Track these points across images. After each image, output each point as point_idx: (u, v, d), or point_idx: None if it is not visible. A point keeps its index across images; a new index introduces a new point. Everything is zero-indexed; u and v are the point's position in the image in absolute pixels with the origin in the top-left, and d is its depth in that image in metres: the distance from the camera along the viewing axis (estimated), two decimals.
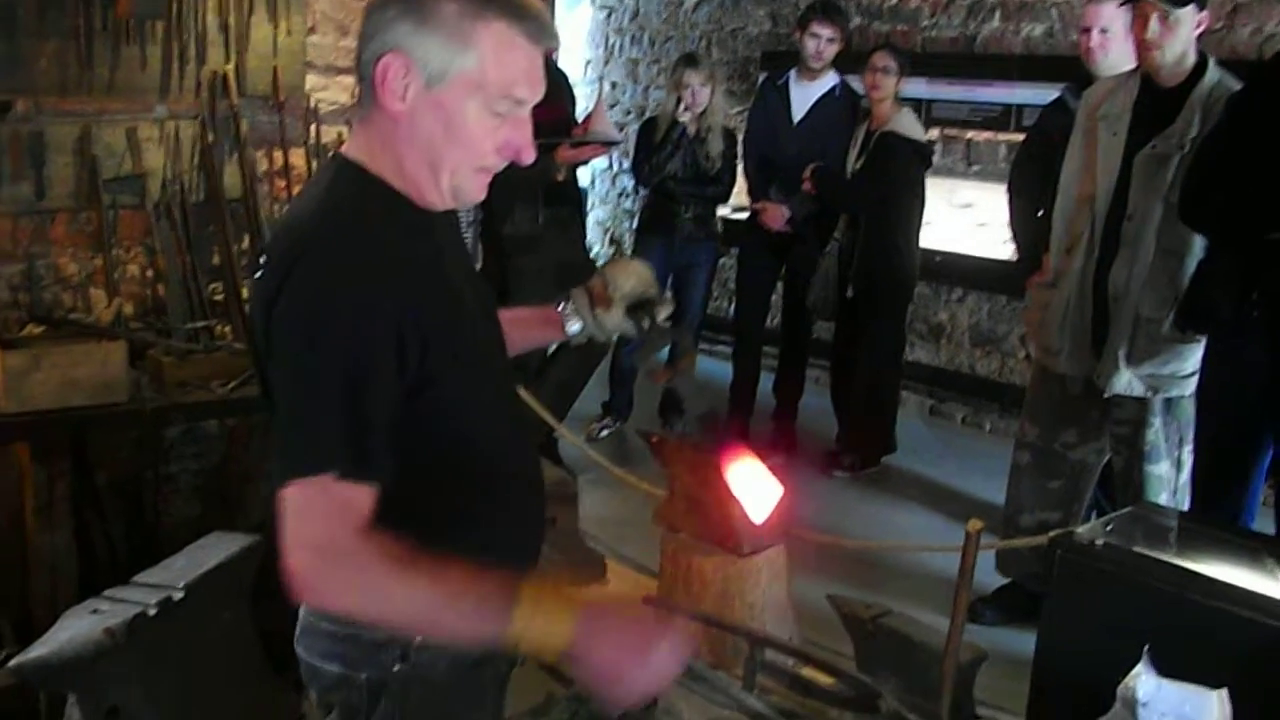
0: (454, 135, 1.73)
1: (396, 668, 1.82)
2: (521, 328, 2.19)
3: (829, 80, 6.24)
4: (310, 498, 1.58)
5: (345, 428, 1.59)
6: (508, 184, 5.22)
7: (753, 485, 1.87)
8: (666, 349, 2.33)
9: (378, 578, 1.58)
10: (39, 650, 2.76)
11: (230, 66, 4.21)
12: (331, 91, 4.51)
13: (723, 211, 6.73)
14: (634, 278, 2.18)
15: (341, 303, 1.62)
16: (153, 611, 2.87)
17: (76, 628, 2.80)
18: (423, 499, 1.72)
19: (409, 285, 1.67)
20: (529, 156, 1.79)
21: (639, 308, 2.18)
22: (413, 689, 1.83)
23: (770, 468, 2.04)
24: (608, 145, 5.98)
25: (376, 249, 1.67)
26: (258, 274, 1.77)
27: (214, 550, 3.20)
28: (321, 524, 1.57)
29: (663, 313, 2.18)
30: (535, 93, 1.76)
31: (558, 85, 5.78)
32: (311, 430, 1.60)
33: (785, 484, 1.88)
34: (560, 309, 2.20)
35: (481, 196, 1.83)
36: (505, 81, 1.72)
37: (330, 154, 1.89)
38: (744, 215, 6.67)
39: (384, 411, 1.64)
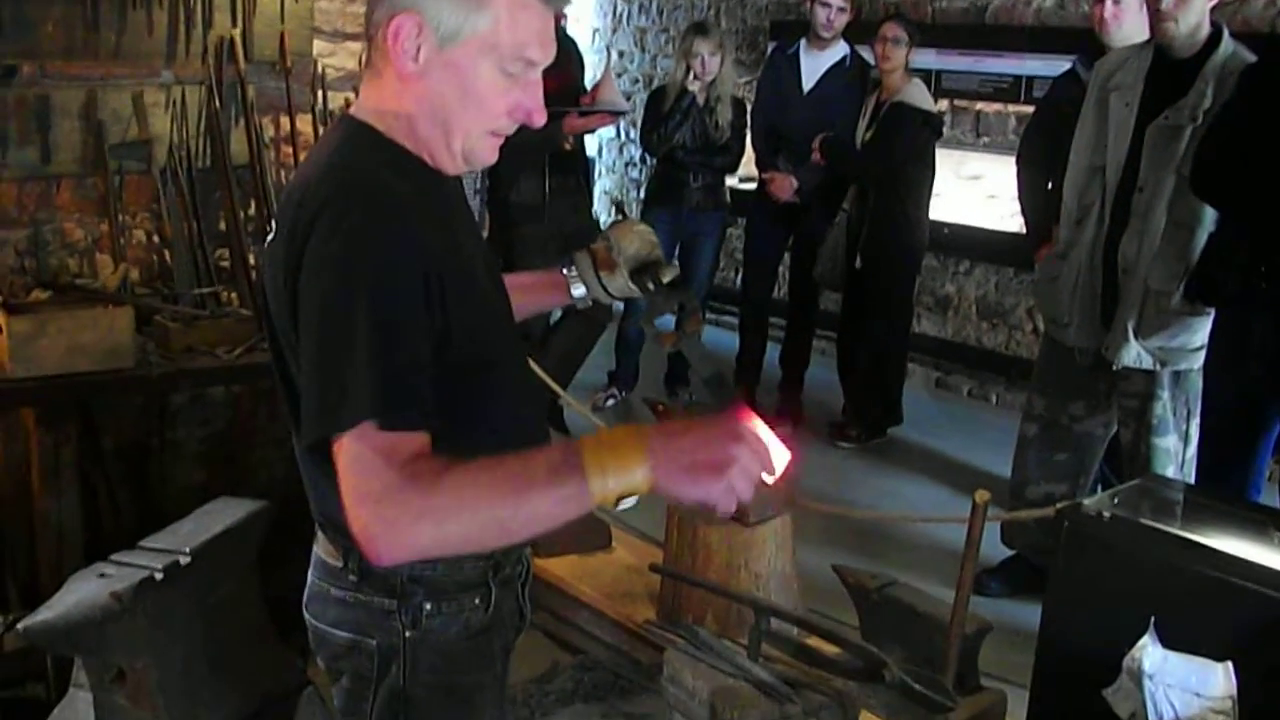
0: (467, 96, 1.72)
1: (407, 634, 1.82)
2: (527, 292, 2.18)
3: (839, 50, 6.21)
4: (358, 452, 1.54)
5: (381, 377, 1.56)
6: (514, 152, 5.20)
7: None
8: (673, 316, 2.31)
9: (443, 503, 1.53)
10: (46, 614, 2.78)
11: (237, 31, 4.18)
12: (339, 57, 4.48)
13: (731, 182, 6.71)
14: (638, 240, 2.16)
15: (365, 256, 1.60)
16: (159, 576, 2.88)
17: (83, 591, 2.81)
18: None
19: (427, 239, 1.66)
20: (540, 119, 1.78)
21: (644, 270, 2.16)
22: (422, 655, 1.83)
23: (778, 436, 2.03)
24: (615, 115, 5.96)
25: (393, 203, 1.66)
26: (269, 239, 1.76)
27: (221, 515, 3.21)
28: (372, 475, 1.53)
29: (667, 275, 2.16)
30: (547, 54, 1.75)
31: (566, 53, 5.76)
32: (348, 383, 1.56)
33: (792, 452, 1.87)
34: (564, 272, 2.19)
35: (493, 160, 1.82)
36: (518, 42, 1.70)
37: (338, 116, 1.87)
38: (752, 185, 6.65)
39: (420, 359, 1.61)
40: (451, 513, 1.53)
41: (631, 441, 1.56)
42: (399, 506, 1.52)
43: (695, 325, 2.17)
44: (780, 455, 1.86)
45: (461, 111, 1.73)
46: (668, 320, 2.37)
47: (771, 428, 1.91)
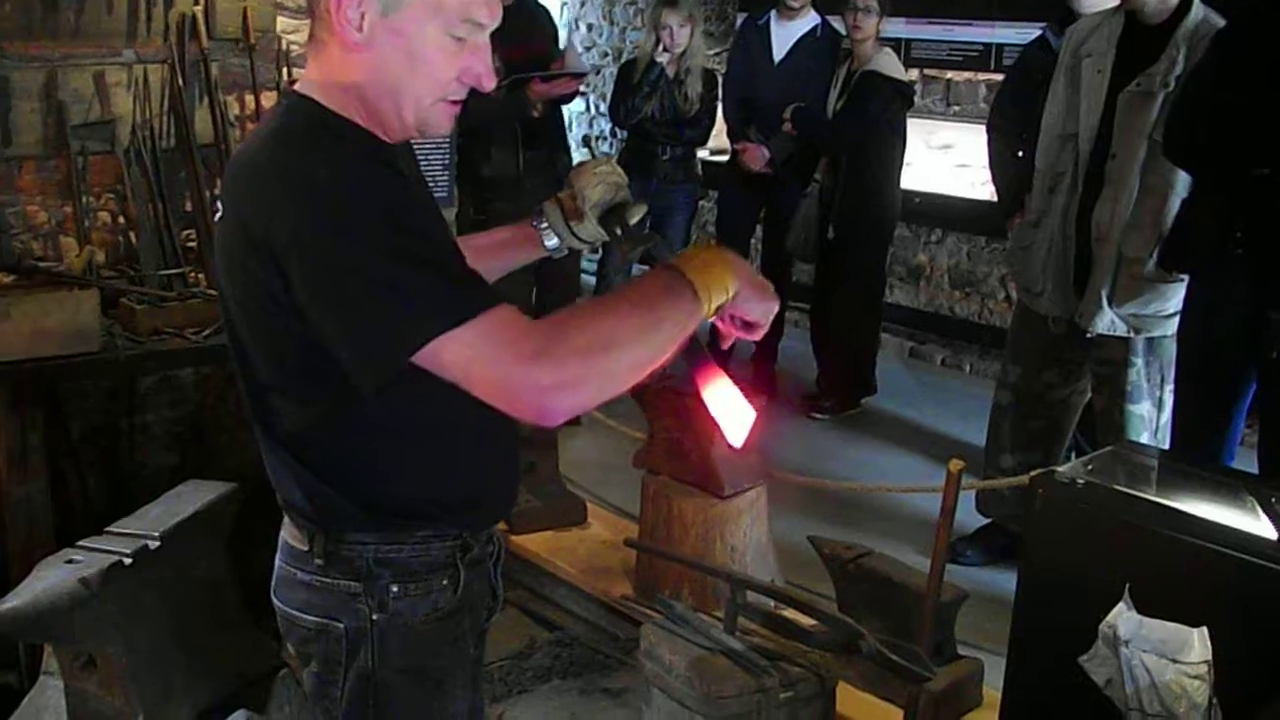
0: (414, 63, 1.69)
1: (375, 617, 1.81)
2: (502, 249, 2.17)
3: (809, 20, 6.19)
4: (486, 331, 1.55)
5: (438, 282, 1.58)
6: (484, 125, 5.13)
7: (729, 408, 1.87)
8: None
9: (596, 336, 1.58)
10: (14, 601, 2.75)
11: (199, 8, 4.12)
12: (303, 34, 4.38)
13: (702, 154, 6.68)
14: (600, 185, 2.13)
15: (353, 192, 1.59)
16: (128, 561, 2.85)
17: (51, 578, 2.78)
18: (394, 429, 1.70)
19: (390, 189, 1.66)
20: (490, 83, 1.77)
21: (611, 214, 2.15)
22: (390, 638, 1.82)
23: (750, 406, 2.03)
24: (578, 77, 5.90)
25: (351, 149, 1.67)
26: (217, 218, 1.74)
27: (190, 499, 3.19)
28: (519, 339, 1.55)
29: (635, 215, 2.15)
30: (493, 16, 1.73)
31: (536, 23, 5.70)
32: (419, 299, 1.56)
33: (764, 422, 1.88)
34: (535, 225, 2.16)
35: (448, 127, 1.80)
36: (463, 3, 1.68)
37: (282, 92, 1.86)
38: (724, 158, 6.62)
39: (452, 257, 1.65)
40: (612, 343, 1.59)
41: (717, 256, 1.74)
42: (563, 352, 1.55)
43: None
44: (745, 414, 1.87)
45: (411, 78, 1.70)
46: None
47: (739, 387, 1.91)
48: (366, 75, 1.70)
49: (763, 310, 1.83)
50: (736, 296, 1.75)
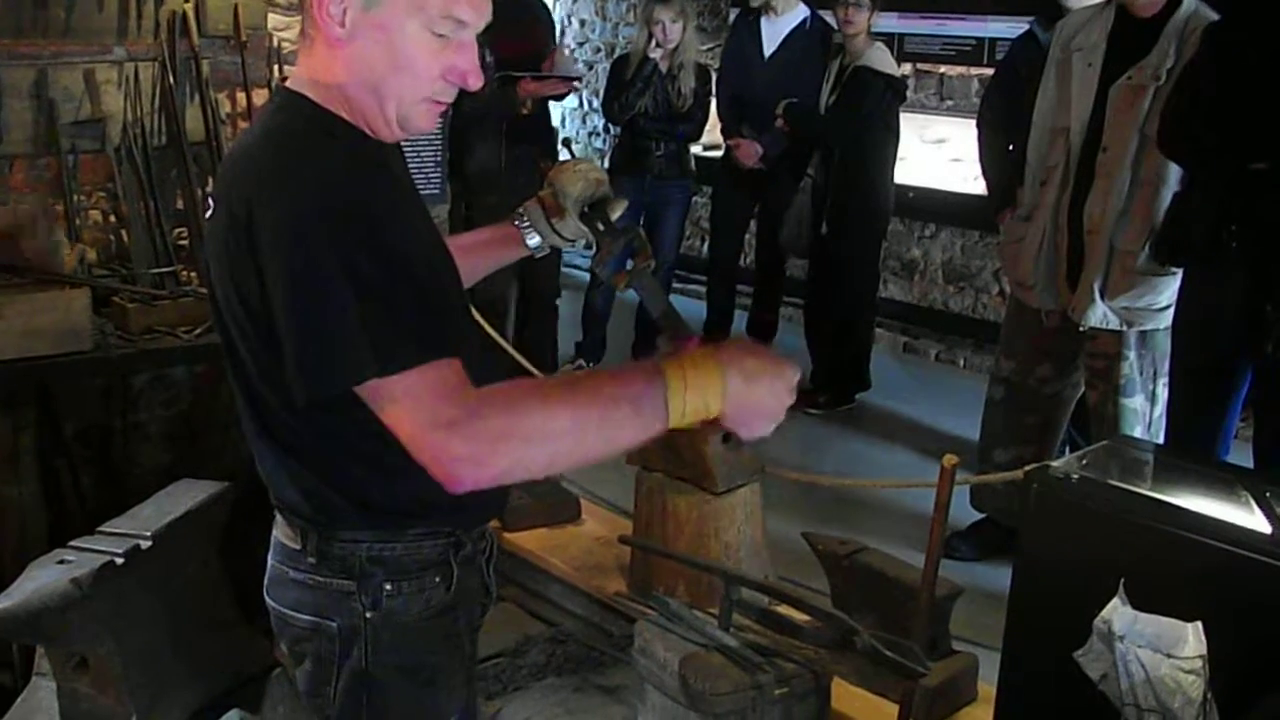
0: (396, 59, 1.68)
1: (368, 615, 1.80)
2: (484, 249, 2.17)
3: (798, 14, 6.19)
4: (410, 386, 1.54)
5: (407, 315, 1.56)
6: (474, 120, 5.08)
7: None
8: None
9: (526, 424, 1.54)
10: (5, 602, 2.74)
11: (189, 6, 4.12)
12: (294, 31, 4.41)
13: (696, 150, 6.68)
14: (580, 182, 2.14)
15: (325, 217, 1.57)
16: (120, 561, 2.84)
17: (43, 579, 2.77)
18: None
19: (374, 191, 1.64)
20: (476, 82, 1.75)
21: (592, 210, 2.15)
22: (384, 636, 1.81)
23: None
24: (569, 80, 5.91)
25: (335, 163, 1.64)
26: (208, 215, 1.73)
27: (182, 498, 3.17)
28: (443, 402, 1.53)
29: (616, 211, 2.15)
30: (478, 15, 1.71)
31: (534, 16, 5.70)
32: (368, 330, 1.54)
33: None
34: (517, 224, 2.16)
35: (431, 127, 1.80)
36: (446, 1, 1.67)
37: (274, 88, 1.85)
38: (718, 153, 6.63)
39: (412, 295, 1.60)
40: (534, 433, 1.55)
41: (715, 369, 1.60)
42: (479, 428, 1.53)
43: (644, 260, 2.16)
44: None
45: (392, 76, 1.69)
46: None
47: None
48: (349, 73, 1.69)
49: (757, 432, 1.69)
50: (722, 417, 1.64)
